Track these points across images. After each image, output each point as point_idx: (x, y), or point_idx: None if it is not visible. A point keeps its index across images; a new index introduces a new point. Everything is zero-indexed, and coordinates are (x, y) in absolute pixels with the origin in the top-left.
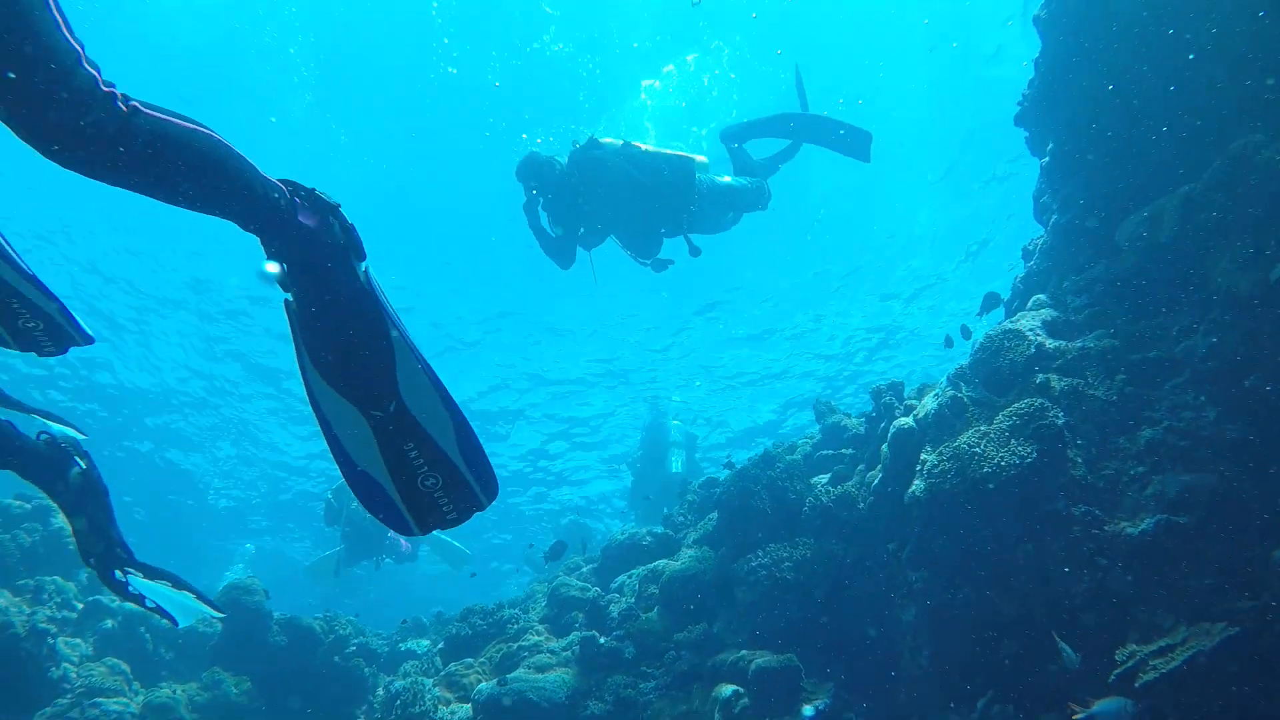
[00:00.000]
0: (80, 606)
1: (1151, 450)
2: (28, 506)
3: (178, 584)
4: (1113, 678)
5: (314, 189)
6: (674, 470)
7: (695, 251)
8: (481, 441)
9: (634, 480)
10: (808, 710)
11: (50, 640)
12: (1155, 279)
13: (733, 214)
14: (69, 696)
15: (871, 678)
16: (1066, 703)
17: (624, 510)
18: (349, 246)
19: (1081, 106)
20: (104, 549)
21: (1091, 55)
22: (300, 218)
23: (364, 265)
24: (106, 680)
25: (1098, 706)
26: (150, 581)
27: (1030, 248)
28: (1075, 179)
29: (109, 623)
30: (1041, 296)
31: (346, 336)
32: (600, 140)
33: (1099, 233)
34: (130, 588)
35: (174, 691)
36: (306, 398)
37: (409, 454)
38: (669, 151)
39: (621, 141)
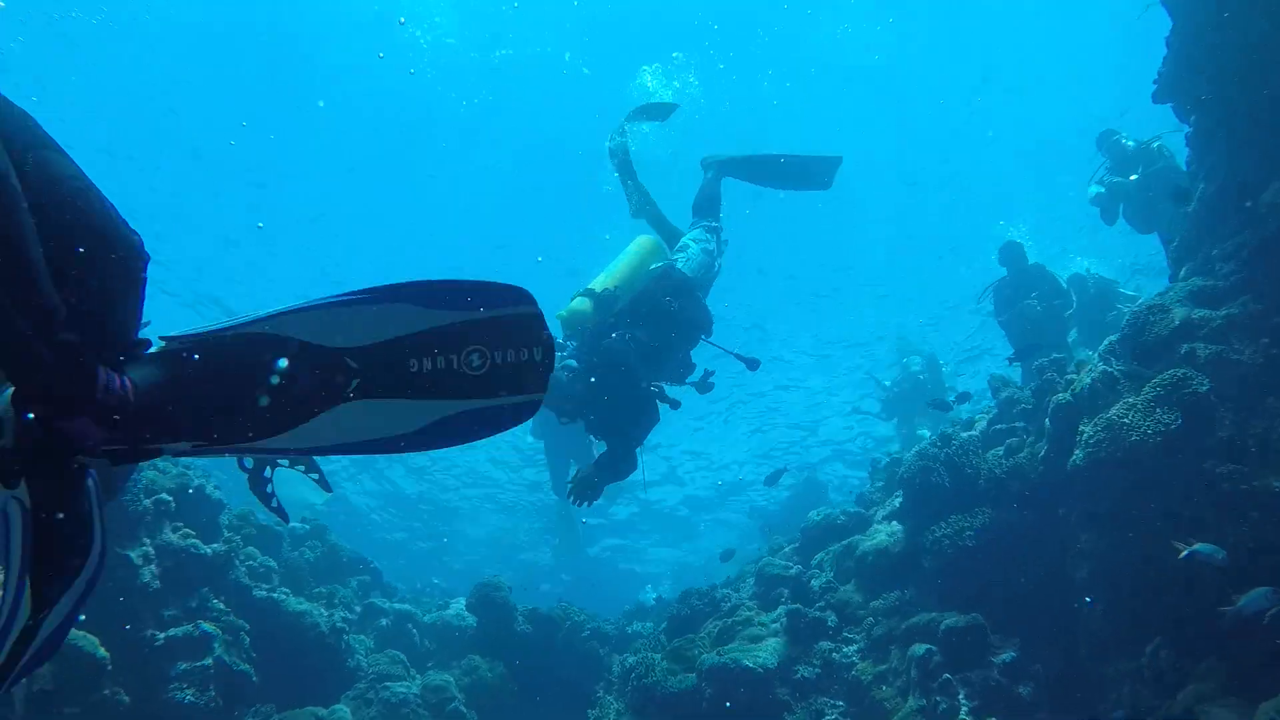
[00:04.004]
0: (359, 609)
1: None
2: (307, 527)
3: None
4: (1266, 620)
5: None
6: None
7: (754, 365)
8: None
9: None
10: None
11: (345, 636)
12: None
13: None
14: (364, 681)
15: (1053, 632)
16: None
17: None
18: None
19: (1216, 79)
20: None
21: (1222, 27)
22: None
23: None
24: (390, 668)
25: (1243, 600)
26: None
27: None
28: (1216, 149)
29: (383, 621)
30: (1190, 266)
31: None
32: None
33: (1243, 201)
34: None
35: (444, 677)
36: None
37: None
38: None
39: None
